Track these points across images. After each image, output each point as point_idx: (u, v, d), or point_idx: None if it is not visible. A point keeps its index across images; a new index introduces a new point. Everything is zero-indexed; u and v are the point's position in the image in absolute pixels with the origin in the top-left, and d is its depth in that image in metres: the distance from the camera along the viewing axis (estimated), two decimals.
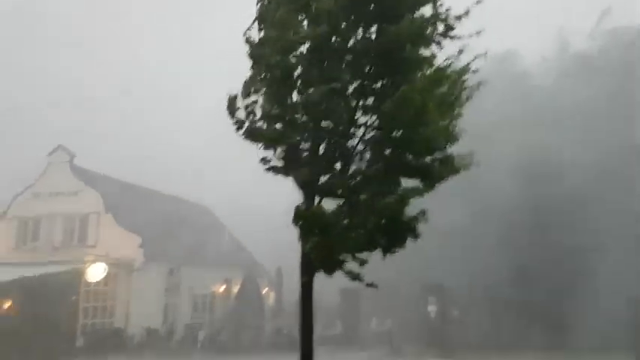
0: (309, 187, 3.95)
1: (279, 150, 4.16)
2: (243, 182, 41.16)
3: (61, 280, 22.59)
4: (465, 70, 5.71)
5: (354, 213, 4.17)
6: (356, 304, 25.33)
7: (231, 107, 4.69)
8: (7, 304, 24.11)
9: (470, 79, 6.10)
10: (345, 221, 4.11)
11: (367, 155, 4.36)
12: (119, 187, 29.32)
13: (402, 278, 21.93)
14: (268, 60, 4.91)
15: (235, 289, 30.18)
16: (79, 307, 23.49)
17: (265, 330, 26.53)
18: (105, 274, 23.96)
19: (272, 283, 33.03)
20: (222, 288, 30.82)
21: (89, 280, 23.58)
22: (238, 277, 30.27)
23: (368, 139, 4.35)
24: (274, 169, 4.15)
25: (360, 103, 4.94)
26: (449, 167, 5.44)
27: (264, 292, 31.71)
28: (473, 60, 5.69)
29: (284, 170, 4.15)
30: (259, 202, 39.64)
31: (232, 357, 20.24)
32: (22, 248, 27.16)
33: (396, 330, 23.24)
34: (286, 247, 30.97)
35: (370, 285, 4.51)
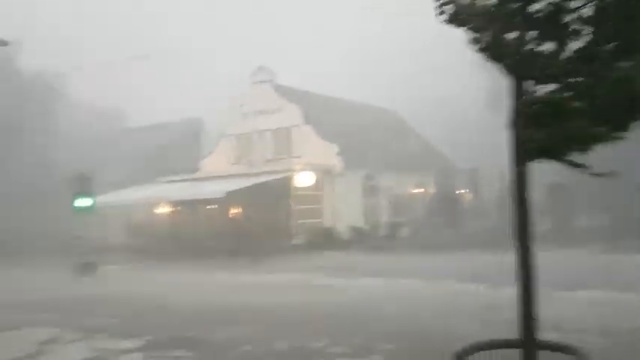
0: (521, 72, 3.92)
1: (485, 34, 4.06)
2: (433, 85, 40.83)
3: (276, 187, 25.52)
4: None
5: (579, 96, 3.94)
6: (563, 199, 24.46)
7: None
8: (235, 210, 28.10)
9: None
10: (573, 105, 3.90)
11: (585, 32, 3.93)
12: (318, 101, 31.34)
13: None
14: None
15: (430, 190, 31.00)
16: (293, 210, 26.44)
17: (462, 229, 27.10)
18: (310, 181, 26.49)
19: (467, 183, 33.15)
20: (420, 189, 31.83)
21: (298, 186, 26.27)
22: (432, 179, 30.96)
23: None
24: (485, 50, 4.03)
25: None
26: None
27: (459, 192, 32.06)
28: None
29: (493, 55, 4.03)
30: (451, 104, 39.20)
31: (433, 254, 21.16)
32: (241, 162, 30.93)
33: (610, 225, 22.13)
34: (481, 146, 30.65)
35: (598, 175, 4.07)
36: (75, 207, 21.81)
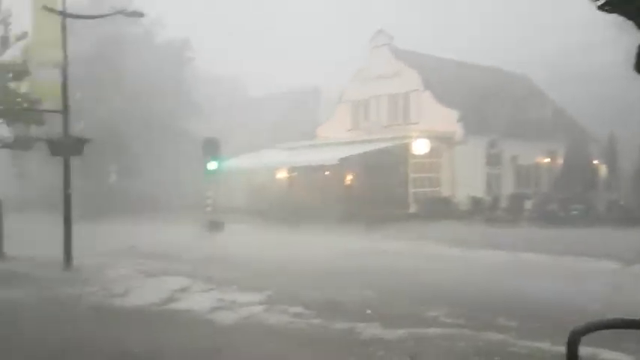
0: None
1: None
2: (562, 46, 37.51)
3: (392, 154, 24.92)
4: None
5: None
6: None
7: None
8: (349, 177, 27.96)
9: None
10: None
11: None
12: (437, 64, 29.95)
13: None
14: None
15: (561, 160, 28.63)
16: (409, 178, 25.70)
17: (597, 202, 24.79)
18: (428, 148, 25.47)
19: (603, 154, 30.18)
20: (547, 159, 29.57)
21: (415, 153, 25.41)
22: (564, 147, 28.53)
23: None
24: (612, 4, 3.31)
25: None
26: None
27: (594, 162, 29.32)
28: None
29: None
30: (580, 67, 35.75)
31: (561, 229, 19.60)
32: (357, 128, 30.60)
33: None
34: (616, 111, 27.74)
35: None
36: (205, 170, 23.11)
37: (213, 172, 23.73)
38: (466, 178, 26.09)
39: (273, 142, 31.30)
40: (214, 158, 23.39)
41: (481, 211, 24.30)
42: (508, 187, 28.26)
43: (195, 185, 26.54)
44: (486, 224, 21.66)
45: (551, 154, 29.58)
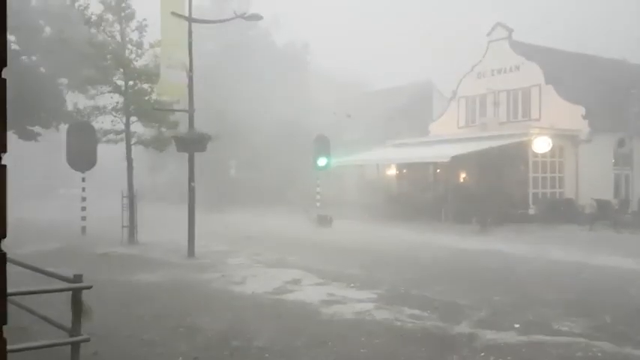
0: None
1: None
2: None
3: (510, 152, 23.88)
4: None
5: None
6: None
7: None
8: (462, 175, 27.22)
9: None
10: None
11: None
12: (560, 58, 28.25)
13: None
14: None
15: None
16: (529, 177, 24.48)
17: None
18: (550, 146, 24.08)
19: None
20: None
21: (536, 152, 24.14)
22: None
23: None
24: None
25: None
26: None
27: None
28: None
29: None
30: None
31: None
32: (471, 125, 29.67)
33: None
34: None
35: None
36: (316, 165, 23.87)
37: (323, 168, 24.44)
38: (591, 179, 24.37)
39: (385, 137, 31.25)
40: (324, 155, 24.10)
41: (607, 215, 22.56)
42: (638, 191, 26.02)
43: (308, 180, 27.32)
44: (613, 229, 20.11)
45: None
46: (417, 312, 8.40)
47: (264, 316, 8.23)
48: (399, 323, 7.80)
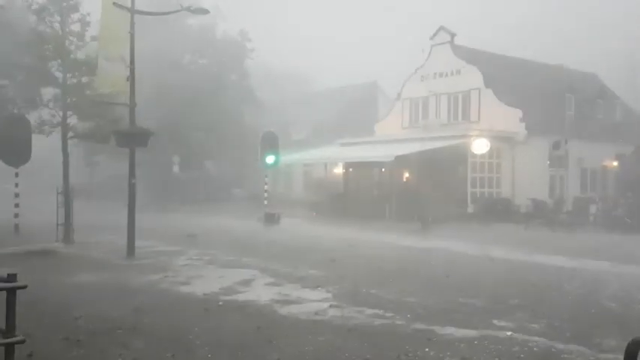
0: None
1: None
2: (633, 44, 35.83)
3: (450, 153, 24.51)
4: None
5: None
6: None
7: None
8: (405, 175, 27.72)
9: None
10: None
11: None
12: (499, 62, 29.23)
13: None
14: None
15: (629, 165, 27.33)
16: (468, 177, 25.21)
17: None
18: (488, 147, 24.90)
19: None
20: (615, 162, 28.34)
21: (475, 153, 24.89)
22: (633, 152, 27.24)
23: None
24: None
25: None
26: None
27: None
28: None
29: None
30: None
31: (627, 235, 18.79)
32: (414, 126, 30.27)
33: None
34: None
35: None
36: (264, 163, 23.60)
37: (271, 165, 24.17)
38: (528, 180, 25.37)
39: (331, 137, 31.43)
40: (272, 152, 23.78)
41: (542, 214, 23.54)
42: (572, 191, 27.29)
43: (254, 178, 27.13)
44: (547, 228, 20.98)
45: (620, 157, 28.32)
46: (364, 309, 8.46)
47: (209, 316, 8.08)
48: (345, 321, 7.83)
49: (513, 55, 30.86)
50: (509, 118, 26.05)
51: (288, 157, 27.30)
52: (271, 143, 24.00)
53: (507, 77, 28.03)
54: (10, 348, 5.42)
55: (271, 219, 22.45)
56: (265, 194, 24.28)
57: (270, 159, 23.76)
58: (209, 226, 20.71)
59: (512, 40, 37.61)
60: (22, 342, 5.52)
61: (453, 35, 29.08)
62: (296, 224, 22.32)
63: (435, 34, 29.71)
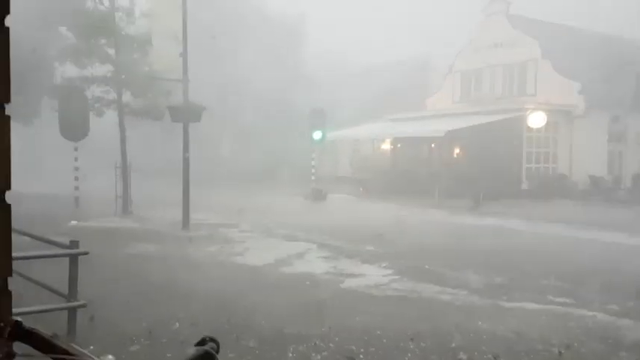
0: None
1: None
2: None
3: (504, 128, 23.82)
4: None
5: None
6: None
7: None
8: (456, 150, 27.17)
9: None
10: None
11: None
12: (557, 32, 28.02)
13: None
14: None
15: None
16: (523, 153, 24.48)
17: None
18: (545, 121, 24.05)
19: None
20: None
21: (531, 127, 24.11)
22: None
23: None
24: None
25: None
26: None
27: None
28: None
29: None
30: None
31: None
32: (467, 100, 29.53)
33: None
34: None
35: None
36: (311, 139, 23.61)
37: (319, 141, 24.11)
38: (585, 155, 24.43)
39: (381, 113, 31.07)
40: (320, 128, 23.75)
41: (600, 191, 22.67)
42: (632, 167, 26.13)
43: (302, 156, 27.17)
44: (606, 205, 20.20)
45: None
46: (422, 284, 8.40)
47: (263, 285, 8.20)
48: (400, 294, 7.80)
49: (571, 25, 29.51)
50: (567, 91, 25.06)
51: (336, 133, 27.18)
52: (319, 119, 23.94)
53: (565, 48, 26.86)
54: (72, 312, 5.67)
55: (318, 195, 22.53)
56: (312, 170, 24.33)
57: (317, 135, 23.73)
58: (257, 201, 20.96)
59: (570, 8, 35.90)
60: (83, 306, 5.77)
61: (508, 4, 28.03)
62: (343, 200, 22.32)
63: (489, 4, 28.73)
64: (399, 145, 29.28)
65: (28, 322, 0.97)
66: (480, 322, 6.42)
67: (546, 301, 7.42)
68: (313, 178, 23.94)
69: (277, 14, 36.00)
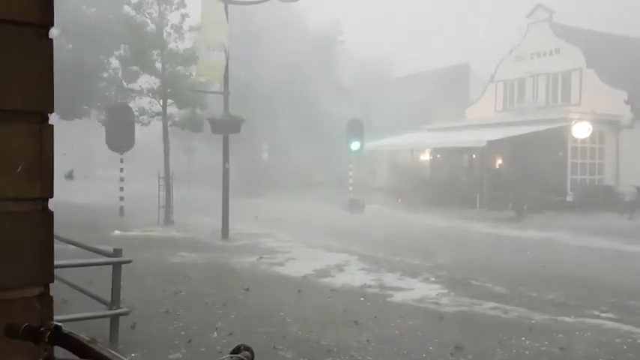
0: None
1: None
2: None
3: (548, 138, 23.28)
4: None
5: None
6: None
7: None
8: (498, 161, 26.70)
9: None
10: None
11: None
12: (602, 40, 27.30)
13: None
14: None
15: None
16: (568, 163, 23.86)
17: None
18: (590, 132, 23.41)
19: None
20: None
21: (576, 137, 23.50)
22: None
23: None
24: None
25: None
26: None
27: None
28: None
29: None
30: None
31: None
32: (509, 109, 29.02)
33: None
34: None
35: None
36: (349, 150, 23.65)
37: (356, 152, 24.14)
38: (633, 167, 23.60)
39: (419, 122, 30.85)
40: (358, 138, 23.77)
41: None
42: None
43: (338, 165, 27.20)
44: None
45: None
46: (466, 298, 8.27)
47: (302, 296, 8.22)
48: (442, 308, 7.70)
49: (616, 33, 28.71)
50: (613, 101, 24.31)
51: (374, 144, 27.10)
52: (356, 129, 23.99)
53: (610, 56, 26.12)
54: (115, 319, 5.82)
55: (356, 205, 22.47)
56: (350, 180, 24.30)
57: (355, 145, 23.77)
58: (295, 211, 21.05)
59: (615, 17, 34.98)
60: (126, 314, 5.91)
61: (551, 13, 27.50)
62: (381, 211, 22.17)
63: (531, 12, 28.25)
64: (438, 156, 28.96)
65: (71, 329, 1.01)
66: (523, 338, 6.27)
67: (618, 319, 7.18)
68: (351, 188, 23.91)
69: (316, 23, 36.34)
